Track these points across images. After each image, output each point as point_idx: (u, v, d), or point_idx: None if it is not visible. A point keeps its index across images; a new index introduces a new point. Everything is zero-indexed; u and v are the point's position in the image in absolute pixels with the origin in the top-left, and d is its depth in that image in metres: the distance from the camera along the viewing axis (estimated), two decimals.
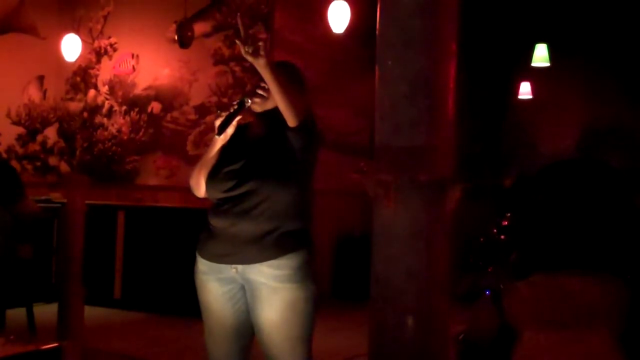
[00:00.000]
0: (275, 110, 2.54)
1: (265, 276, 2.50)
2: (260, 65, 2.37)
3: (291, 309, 2.52)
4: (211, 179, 2.61)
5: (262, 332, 2.55)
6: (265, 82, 2.49)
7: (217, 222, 2.58)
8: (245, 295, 2.59)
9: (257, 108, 2.59)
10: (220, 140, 2.56)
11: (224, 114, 2.50)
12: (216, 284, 2.60)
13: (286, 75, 2.52)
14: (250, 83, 2.81)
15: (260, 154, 2.56)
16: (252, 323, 2.61)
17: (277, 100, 2.44)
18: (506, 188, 7.57)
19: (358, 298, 4.79)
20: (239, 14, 2.50)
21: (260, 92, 2.55)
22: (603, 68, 7.73)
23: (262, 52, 2.35)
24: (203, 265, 2.63)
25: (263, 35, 2.54)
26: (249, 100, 2.53)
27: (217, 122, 2.52)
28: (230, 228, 2.53)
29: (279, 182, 2.52)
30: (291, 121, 2.47)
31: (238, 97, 2.63)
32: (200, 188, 2.65)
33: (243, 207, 2.51)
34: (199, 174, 2.63)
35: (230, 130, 2.53)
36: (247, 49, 2.35)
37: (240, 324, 2.62)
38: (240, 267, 2.53)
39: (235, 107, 2.50)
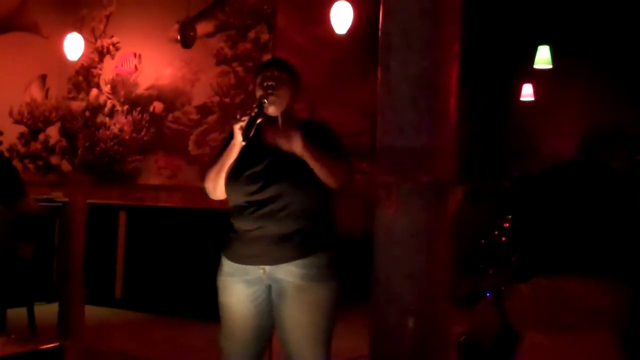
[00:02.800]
0: (290, 110, 2.62)
1: (293, 275, 2.54)
2: (297, 150, 2.45)
3: (316, 307, 2.56)
4: (233, 182, 2.61)
5: (286, 329, 2.57)
6: (272, 81, 2.54)
7: (242, 225, 2.60)
8: (269, 297, 2.62)
9: (273, 110, 2.60)
10: (239, 144, 2.53)
11: (244, 119, 2.47)
12: (242, 285, 2.62)
13: (323, 144, 2.55)
14: (252, 83, 2.81)
15: (280, 156, 2.57)
16: (271, 326, 2.64)
17: (318, 173, 2.49)
18: (507, 190, 7.57)
19: (358, 299, 4.78)
20: (258, 107, 2.53)
21: (271, 91, 2.56)
22: (605, 70, 7.72)
23: (297, 143, 2.42)
24: (229, 267, 2.64)
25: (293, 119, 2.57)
26: (266, 101, 2.55)
27: (237, 127, 2.49)
28: (257, 230, 2.56)
29: (303, 184, 2.56)
30: (332, 186, 2.55)
31: (237, 99, 2.62)
32: (217, 191, 2.66)
33: (269, 209, 2.55)
34: (217, 177, 2.63)
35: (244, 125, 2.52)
36: (283, 144, 2.43)
37: (261, 326, 2.65)
38: (268, 267, 2.56)
39: (256, 110, 2.48)
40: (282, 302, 2.57)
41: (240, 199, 2.60)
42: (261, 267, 2.57)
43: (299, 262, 2.54)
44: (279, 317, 2.59)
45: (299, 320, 2.55)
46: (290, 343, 2.58)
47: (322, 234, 2.60)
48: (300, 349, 2.57)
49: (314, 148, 2.47)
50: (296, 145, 2.43)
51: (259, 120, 2.50)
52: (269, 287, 2.62)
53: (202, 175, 2.71)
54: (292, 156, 2.54)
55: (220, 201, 2.78)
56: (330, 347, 2.64)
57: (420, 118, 2.47)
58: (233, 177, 2.61)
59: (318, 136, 2.61)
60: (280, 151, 2.57)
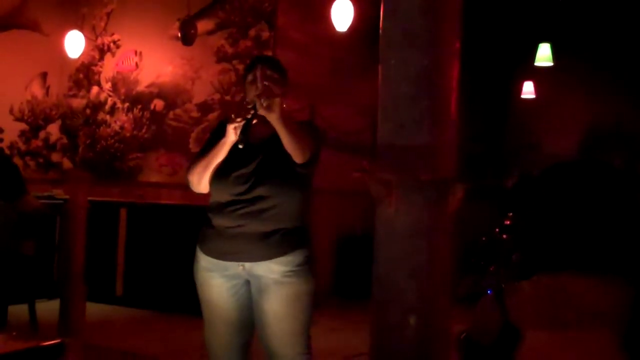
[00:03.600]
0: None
1: (272, 272, 2.57)
2: (272, 119, 2.42)
3: (295, 301, 2.59)
4: (219, 180, 2.61)
5: (265, 324, 2.59)
6: (265, 80, 2.54)
7: (222, 222, 2.61)
8: (248, 290, 2.64)
9: (264, 112, 2.59)
10: (230, 143, 2.52)
11: (239, 120, 2.45)
12: (221, 279, 2.64)
13: (297, 124, 2.56)
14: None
15: (268, 158, 2.57)
16: (253, 319, 2.65)
17: (284, 143, 2.48)
18: (508, 188, 7.57)
19: (359, 297, 4.79)
20: (259, 67, 2.54)
21: (268, 90, 2.54)
22: (606, 68, 7.73)
23: (275, 108, 2.39)
24: (207, 262, 2.66)
25: (278, 92, 2.53)
26: (261, 102, 2.52)
27: (231, 127, 2.47)
28: (237, 228, 2.58)
29: (288, 188, 2.59)
30: (297, 159, 2.52)
31: (240, 98, 2.61)
32: (201, 186, 2.65)
33: (251, 209, 2.56)
34: (204, 172, 2.62)
35: (239, 128, 2.49)
36: (262, 103, 2.39)
37: (243, 319, 2.67)
38: (247, 264, 2.57)
39: (252, 112, 2.45)
40: (262, 297, 2.59)
41: (224, 197, 2.61)
42: (240, 263, 2.58)
43: (278, 259, 2.57)
44: (258, 311, 2.61)
45: (279, 314, 2.58)
46: (270, 337, 2.61)
47: (299, 233, 2.63)
48: (281, 342, 2.60)
49: (288, 120, 2.46)
50: (274, 112, 2.40)
51: (254, 122, 2.49)
52: (248, 282, 2.64)
53: (187, 167, 2.69)
54: (280, 158, 2.54)
55: None
56: (309, 339, 2.66)
57: (421, 116, 2.47)
58: (220, 176, 2.61)
59: (297, 122, 2.62)
60: (269, 152, 2.57)
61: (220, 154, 2.56)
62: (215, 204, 2.65)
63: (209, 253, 2.66)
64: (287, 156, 2.54)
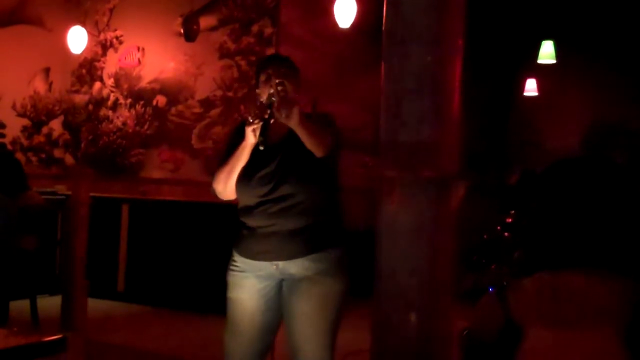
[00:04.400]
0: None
1: (306, 269, 2.57)
2: (293, 124, 2.43)
3: (325, 300, 2.59)
4: (245, 184, 2.61)
5: (294, 321, 2.59)
6: (280, 78, 2.53)
7: (254, 222, 2.61)
8: (278, 294, 2.64)
9: (284, 120, 2.58)
10: (251, 146, 2.51)
11: (257, 121, 2.43)
12: (254, 280, 2.64)
13: (315, 121, 2.56)
14: (253, 80, 2.79)
15: (289, 155, 2.57)
16: (277, 324, 2.65)
17: (305, 143, 2.48)
18: (511, 185, 7.57)
19: (361, 293, 4.78)
20: (275, 81, 2.49)
21: (281, 89, 2.53)
22: (609, 65, 7.71)
23: (294, 116, 2.39)
24: (242, 263, 2.66)
25: (294, 96, 2.53)
26: (275, 100, 2.50)
27: (249, 129, 2.45)
28: (269, 227, 2.58)
29: (312, 183, 2.59)
30: (317, 154, 2.53)
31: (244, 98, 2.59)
32: (227, 192, 2.65)
33: (280, 207, 2.57)
34: (228, 179, 2.61)
35: (258, 129, 2.46)
36: (281, 113, 2.40)
37: (267, 323, 2.67)
38: (281, 263, 2.57)
39: (268, 112, 2.43)
40: (293, 294, 2.59)
41: (252, 200, 2.61)
42: (274, 262, 2.58)
43: (311, 256, 2.56)
44: (288, 308, 2.61)
45: (308, 312, 2.57)
46: (297, 334, 2.60)
47: (332, 229, 2.63)
48: (307, 341, 2.59)
49: (306, 124, 2.47)
50: (293, 121, 2.41)
51: (272, 121, 2.47)
52: (280, 283, 2.64)
53: (211, 176, 2.68)
54: (300, 154, 2.54)
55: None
56: (336, 340, 2.65)
57: (423, 113, 2.46)
58: (244, 180, 2.61)
59: (315, 118, 2.62)
60: (288, 150, 2.57)
61: (242, 158, 2.56)
62: (244, 207, 2.65)
63: (243, 254, 2.66)
64: (308, 151, 2.54)
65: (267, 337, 2.69)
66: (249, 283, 2.64)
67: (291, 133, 2.56)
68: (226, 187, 2.63)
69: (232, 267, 2.70)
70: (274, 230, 2.57)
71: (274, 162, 2.58)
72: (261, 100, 2.61)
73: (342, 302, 2.64)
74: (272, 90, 2.50)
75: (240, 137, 2.53)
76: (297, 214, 2.56)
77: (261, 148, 2.44)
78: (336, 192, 2.71)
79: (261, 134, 2.44)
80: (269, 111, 2.43)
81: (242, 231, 2.68)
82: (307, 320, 2.58)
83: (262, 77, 2.67)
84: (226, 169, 2.61)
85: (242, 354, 2.68)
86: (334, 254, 2.60)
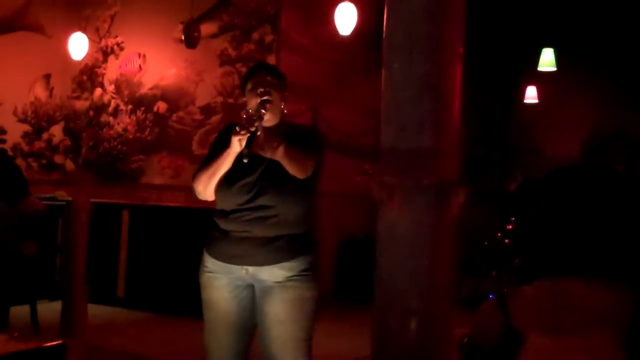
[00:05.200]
0: (282, 123, 2.62)
1: (276, 276, 2.58)
2: (278, 157, 2.47)
3: (298, 307, 2.59)
4: (225, 191, 2.62)
5: (267, 328, 2.59)
6: (265, 87, 2.57)
7: (228, 226, 2.63)
8: (251, 295, 2.65)
9: (269, 118, 2.60)
10: (234, 154, 2.52)
11: (244, 132, 2.43)
12: (224, 281, 2.65)
13: (299, 145, 2.57)
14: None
15: (272, 167, 2.57)
16: (254, 323, 2.65)
17: (286, 168, 2.52)
18: (510, 192, 7.57)
19: (361, 300, 4.78)
20: (258, 118, 2.48)
21: (266, 102, 2.54)
22: (609, 73, 7.72)
23: (279, 150, 2.44)
24: (213, 264, 2.67)
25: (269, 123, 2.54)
26: (264, 112, 2.51)
27: (236, 139, 2.46)
28: (242, 233, 2.60)
29: (292, 195, 2.60)
30: (299, 177, 2.57)
31: (243, 110, 2.60)
32: (206, 194, 2.67)
33: (256, 215, 2.58)
34: (209, 182, 2.63)
35: (244, 140, 2.48)
36: (266, 152, 2.45)
37: (243, 323, 2.67)
38: (251, 268, 2.57)
39: (256, 124, 2.44)
40: (265, 300, 2.60)
41: (229, 206, 2.63)
42: (244, 267, 2.59)
43: (282, 264, 2.58)
44: (261, 314, 2.62)
45: (281, 318, 2.58)
46: (271, 340, 2.60)
47: (304, 238, 2.64)
48: (282, 346, 2.59)
49: (291, 154, 2.49)
50: (278, 155, 2.45)
51: (259, 133, 2.48)
52: (252, 286, 2.64)
53: (193, 175, 2.70)
54: (283, 167, 2.55)
55: None
56: (311, 345, 2.65)
57: (423, 119, 2.47)
58: (225, 186, 2.62)
59: (298, 135, 2.63)
60: (271, 161, 2.58)
61: (225, 164, 2.57)
62: (221, 210, 2.67)
63: (214, 256, 2.67)
64: None
65: (245, 337, 2.70)
66: (221, 284, 2.65)
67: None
68: (206, 189, 2.65)
69: (203, 268, 2.71)
70: (246, 236, 2.58)
71: (256, 172, 2.60)
72: (248, 109, 2.61)
73: (314, 308, 2.64)
74: (259, 102, 2.51)
75: (227, 140, 2.52)
76: (271, 225, 2.58)
77: (245, 161, 2.45)
78: (313, 205, 2.71)
79: (246, 146, 2.45)
80: (256, 123, 2.43)
81: (214, 233, 2.69)
82: (283, 326, 2.58)
83: (249, 86, 2.68)
84: (208, 172, 2.62)
85: (220, 353, 2.69)
86: (305, 262, 2.61)
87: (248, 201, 2.59)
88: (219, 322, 2.68)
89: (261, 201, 2.57)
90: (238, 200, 2.60)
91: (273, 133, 2.51)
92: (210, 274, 2.68)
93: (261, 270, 2.59)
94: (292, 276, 2.57)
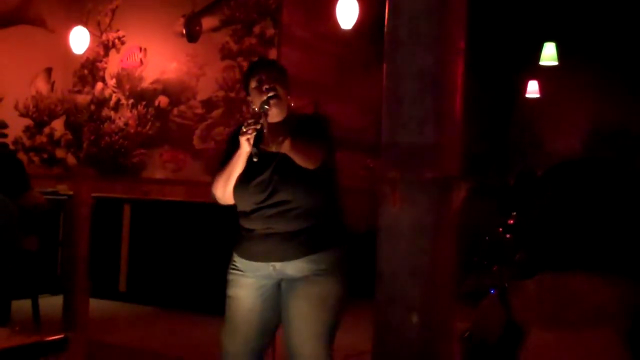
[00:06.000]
0: (290, 117, 2.61)
1: (303, 270, 2.58)
2: (285, 150, 2.44)
3: (323, 302, 2.59)
4: (241, 191, 2.63)
5: (291, 321, 2.59)
6: (270, 83, 2.56)
7: (251, 225, 2.64)
8: (276, 293, 2.65)
9: (275, 114, 2.59)
10: (245, 154, 2.52)
11: (250, 131, 2.43)
12: (252, 279, 2.65)
13: (306, 136, 2.55)
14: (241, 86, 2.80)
15: (284, 162, 2.57)
16: (276, 324, 2.65)
17: (295, 160, 2.50)
18: (512, 187, 7.57)
19: (362, 295, 4.78)
20: (263, 115, 2.46)
21: (273, 98, 2.54)
22: (611, 68, 7.71)
23: (285, 145, 2.41)
24: (241, 264, 2.69)
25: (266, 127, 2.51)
26: (268, 108, 2.51)
27: (244, 139, 2.46)
28: (266, 230, 2.60)
29: (308, 188, 2.59)
30: (309, 168, 2.55)
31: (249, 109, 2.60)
32: (226, 198, 2.67)
33: (277, 211, 2.58)
34: (226, 186, 2.63)
35: (252, 139, 2.47)
36: (271, 145, 2.42)
37: (266, 321, 2.67)
38: (278, 264, 2.58)
39: (261, 122, 2.44)
40: (291, 294, 2.60)
41: (248, 206, 2.63)
42: (271, 264, 2.59)
43: (308, 257, 2.57)
44: (285, 308, 2.61)
45: (304, 313, 2.57)
46: (293, 335, 2.60)
47: (330, 231, 2.63)
48: (303, 341, 2.59)
49: (297, 146, 2.48)
50: (284, 149, 2.44)
51: (265, 130, 2.48)
52: (278, 284, 2.64)
53: (211, 181, 2.70)
54: (295, 163, 2.55)
55: None
56: (333, 343, 2.65)
57: (425, 114, 2.47)
58: (241, 187, 2.62)
59: (304, 126, 2.62)
60: (283, 156, 2.57)
61: (238, 165, 2.57)
62: (242, 211, 2.67)
63: (242, 255, 2.68)
64: None
65: (264, 337, 2.70)
66: (248, 282, 2.65)
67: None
68: (225, 193, 2.65)
69: (231, 267, 2.72)
70: (271, 232, 2.59)
71: (269, 169, 2.59)
72: (253, 107, 2.61)
73: (340, 303, 2.64)
74: (264, 98, 2.51)
75: (237, 142, 2.53)
76: (294, 218, 2.57)
77: (255, 160, 2.44)
78: (334, 193, 2.70)
79: (255, 145, 2.45)
80: (262, 120, 2.43)
81: (241, 232, 2.70)
82: (305, 320, 2.58)
83: (253, 84, 2.66)
84: (224, 176, 2.63)
85: (237, 352, 2.68)
86: (332, 255, 2.61)
87: (265, 199, 2.58)
88: (240, 320, 2.67)
89: (278, 197, 2.57)
90: (255, 199, 2.60)
91: (280, 127, 2.49)
92: (237, 272, 2.68)
93: (288, 265, 2.58)
94: (318, 270, 2.57)
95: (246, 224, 2.65)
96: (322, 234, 2.60)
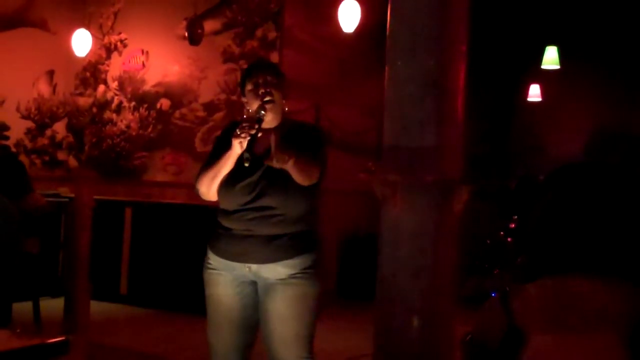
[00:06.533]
0: (284, 123, 2.61)
1: (278, 274, 2.58)
2: (287, 168, 2.44)
3: (301, 303, 2.59)
4: (227, 191, 2.63)
5: (269, 325, 2.60)
6: (267, 87, 2.56)
7: (230, 225, 2.63)
8: (254, 291, 2.65)
9: (271, 118, 2.59)
10: (235, 155, 2.52)
11: (244, 135, 2.43)
12: (228, 277, 2.66)
13: (305, 151, 2.55)
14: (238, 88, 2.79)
15: (273, 168, 2.57)
16: (257, 319, 2.65)
17: (293, 175, 2.49)
18: (513, 190, 7.56)
19: (363, 297, 4.78)
20: (273, 136, 2.42)
21: (268, 103, 2.54)
22: (613, 71, 7.70)
23: (287, 162, 2.40)
24: (216, 261, 2.68)
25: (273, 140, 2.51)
26: (264, 113, 2.51)
27: (237, 142, 2.46)
28: (245, 231, 2.60)
29: (294, 196, 2.59)
30: (304, 184, 2.55)
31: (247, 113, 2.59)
32: (209, 195, 2.67)
33: (259, 215, 2.59)
34: (211, 183, 2.63)
35: (245, 143, 2.47)
36: (274, 163, 2.40)
37: (246, 319, 2.68)
38: (254, 266, 2.57)
39: (256, 126, 2.44)
40: (267, 297, 2.60)
41: (231, 206, 2.64)
42: (247, 265, 2.60)
43: (284, 262, 2.57)
44: (263, 311, 2.62)
45: (283, 315, 2.58)
46: (273, 337, 2.61)
47: (308, 236, 2.63)
48: (283, 343, 2.59)
49: (299, 165, 2.48)
50: (287, 164, 2.43)
51: (259, 134, 2.47)
52: (255, 283, 2.65)
53: (196, 176, 2.70)
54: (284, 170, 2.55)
55: None
56: (313, 343, 2.65)
57: (426, 117, 2.47)
58: (227, 187, 2.62)
59: (302, 138, 2.61)
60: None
61: (226, 166, 2.57)
62: (223, 210, 2.68)
63: (217, 253, 2.68)
64: None
65: (248, 334, 2.70)
66: (223, 280, 2.66)
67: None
68: (209, 190, 2.65)
69: (207, 265, 2.72)
70: (249, 234, 2.59)
71: (258, 172, 2.59)
72: (248, 109, 2.61)
73: (316, 305, 2.63)
74: (260, 103, 2.51)
75: (229, 139, 2.52)
76: (275, 223, 2.58)
77: (246, 165, 2.44)
78: (316, 202, 2.71)
79: (247, 149, 2.45)
80: (257, 126, 2.43)
81: (218, 230, 2.70)
82: (283, 322, 2.58)
83: (249, 86, 2.66)
84: (210, 173, 2.62)
85: (224, 350, 2.69)
86: (308, 260, 2.60)
87: (250, 201, 2.59)
88: (221, 319, 2.68)
89: (263, 202, 2.57)
90: (240, 200, 2.60)
91: (282, 141, 2.47)
92: (213, 271, 2.69)
93: (263, 267, 2.59)
94: (294, 274, 2.57)
95: (225, 222, 2.65)
96: (301, 240, 2.61)
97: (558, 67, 7.39)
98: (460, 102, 2.53)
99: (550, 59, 7.34)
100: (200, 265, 2.77)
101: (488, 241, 7.04)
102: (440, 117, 2.49)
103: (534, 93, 8.30)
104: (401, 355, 2.46)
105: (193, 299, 5.86)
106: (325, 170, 2.67)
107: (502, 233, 6.82)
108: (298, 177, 2.50)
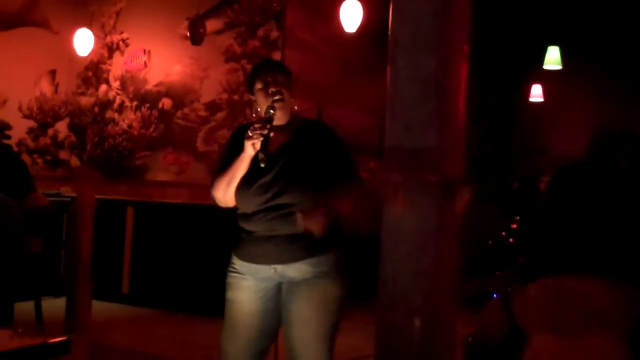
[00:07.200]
0: (293, 120, 2.61)
1: (304, 273, 2.58)
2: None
3: (323, 304, 2.59)
4: (243, 193, 2.62)
5: (292, 324, 2.59)
6: (276, 86, 2.56)
7: (252, 227, 2.63)
8: (276, 295, 2.65)
9: (280, 116, 2.59)
10: (249, 157, 2.52)
11: (256, 136, 2.43)
12: (252, 282, 2.65)
13: (335, 168, 2.60)
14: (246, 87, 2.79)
15: (287, 165, 2.57)
16: (276, 327, 2.65)
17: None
18: (515, 191, 7.55)
19: (365, 298, 4.77)
20: (269, 120, 2.46)
21: (278, 102, 2.54)
22: (615, 71, 7.70)
23: (319, 230, 2.50)
24: (240, 266, 2.67)
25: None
26: (273, 112, 2.50)
27: (249, 143, 2.46)
28: (267, 232, 2.59)
29: (310, 192, 2.58)
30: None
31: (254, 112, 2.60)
32: (226, 200, 2.66)
33: (278, 214, 2.58)
34: (228, 188, 2.62)
35: (258, 144, 2.48)
36: (314, 235, 2.48)
37: (265, 324, 2.67)
38: (279, 267, 2.57)
39: (268, 126, 2.45)
40: (291, 297, 2.60)
41: (250, 208, 2.62)
42: (272, 266, 2.59)
43: (309, 260, 2.57)
44: (286, 311, 2.61)
45: (305, 315, 2.57)
46: (295, 337, 2.60)
47: (330, 233, 2.61)
48: (305, 344, 2.58)
49: (343, 210, 2.58)
50: (320, 231, 2.51)
51: (271, 134, 2.47)
52: (279, 286, 2.64)
53: (211, 184, 2.69)
54: (298, 163, 2.55)
55: None
56: (334, 344, 2.65)
57: (428, 117, 2.47)
58: (243, 189, 2.61)
59: (328, 150, 2.62)
60: (287, 159, 2.58)
61: (241, 168, 2.57)
62: (243, 213, 2.67)
63: (241, 257, 2.67)
64: (306, 160, 2.57)
65: (265, 340, 2.69)
66: (247, 284, 2.65)
67: (289, 142, 2.57)
68: (226, 195, 2.64)
69: (230, 270, 2.71)
70: (272, 235, 2.58)
71: (272, 171, 2.58)
72: (257, 107, 2.61)
73: (340, 305, 2.64)
74: (270, 102, 2.51)
75: (239, 143, 2.53)
76: (295, 221, 2.56)
77: (262, 165, 2.45)
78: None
79: (262, 150, 2.45)
80: (268, 126, 2.43)
81: (241, 234, 2.69)
82: (306, 323, 2.58)
83: (259, 85, 2.65)
84: (225, 178, 2.61)
85: (238, 355, 2.67)
86: (332, 257, 2.61)
87: (267, 201, 2.58)
88: (240, 323, 2.66)
89: (281, 200, 2.56)
90: (257, 201, 2.59)
91: (308, 219, 2.51)
92: (237, 275, 2.67)
93: (289, 267, 2.58)
94: (319, 272, 2.57)
95: (247, 225, 2.64)
96: (323, 237, 2.59)
97: (560, 67, 7.39)
98: (462, 102, 2.53)
99: (552, 59, 7.34)
100: (201, 265, 2.78)
101: (490, 242, 7.04)
102: (442, 117, 2.49)
103: (536, 93, 8.30)
104: (403, 356, 2.46)
105: (195, 298, 5.88)
106: (358, 169, 2.69)
107: (504, 234, 6.82)
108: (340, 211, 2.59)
